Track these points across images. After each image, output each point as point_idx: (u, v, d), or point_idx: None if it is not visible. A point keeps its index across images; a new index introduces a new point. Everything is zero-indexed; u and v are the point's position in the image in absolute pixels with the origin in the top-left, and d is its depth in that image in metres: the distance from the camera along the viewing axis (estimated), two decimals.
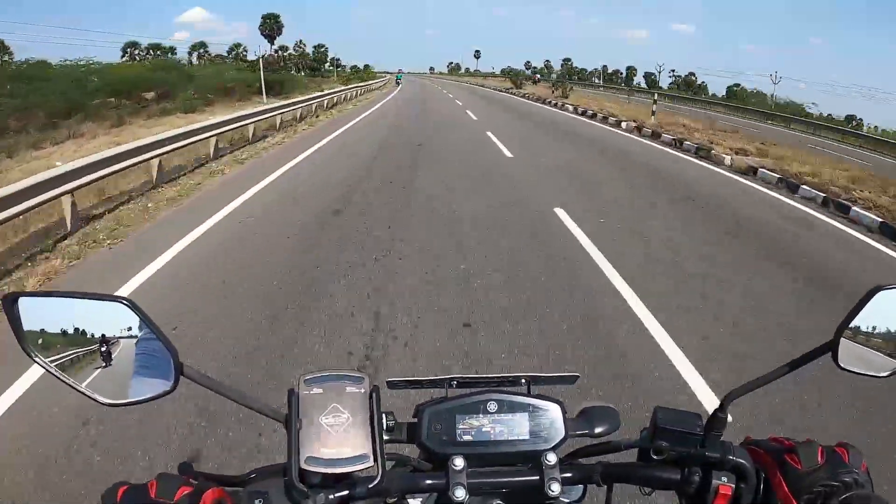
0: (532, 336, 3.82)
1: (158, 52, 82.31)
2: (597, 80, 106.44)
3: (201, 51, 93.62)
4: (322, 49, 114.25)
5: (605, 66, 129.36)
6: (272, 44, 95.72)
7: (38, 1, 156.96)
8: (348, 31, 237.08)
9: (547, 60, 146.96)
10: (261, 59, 44.06)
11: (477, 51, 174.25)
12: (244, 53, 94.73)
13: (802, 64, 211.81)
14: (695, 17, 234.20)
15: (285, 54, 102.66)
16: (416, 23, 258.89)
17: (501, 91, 47.98)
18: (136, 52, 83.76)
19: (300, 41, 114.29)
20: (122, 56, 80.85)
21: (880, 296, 0.70)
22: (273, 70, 68.62)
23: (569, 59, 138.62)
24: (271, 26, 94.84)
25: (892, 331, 0.73)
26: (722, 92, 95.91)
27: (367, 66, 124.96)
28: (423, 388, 0.83)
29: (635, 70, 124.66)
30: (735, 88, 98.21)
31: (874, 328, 0.72)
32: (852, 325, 0.71)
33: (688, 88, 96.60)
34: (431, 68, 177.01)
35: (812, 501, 0.66)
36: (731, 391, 0.73)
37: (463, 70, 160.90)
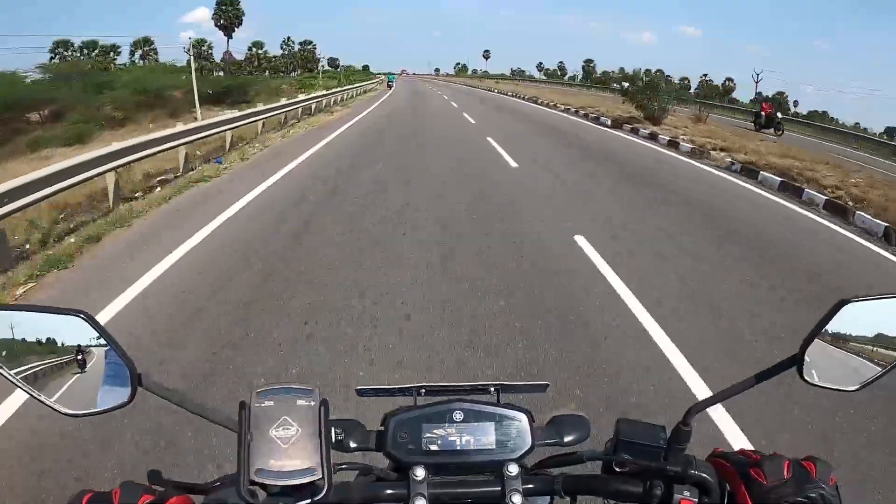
0: None
1: (95, 52, 69.88)
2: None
3: (146, 48, 76.18)
4: (310, 46, 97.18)
5: (622, 69, 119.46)
6: (230, 36, 77.68)
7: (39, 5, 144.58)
8: (352, 30, 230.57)
9: (560, 62, 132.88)
10: (191, 60, 32.30)
11: (486, 51, 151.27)
12: (209, 52, 78.12)
13: (809, 66, 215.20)
14: (701, 20, 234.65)
15: (260, 52, 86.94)
16: (422, 23, 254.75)
17: (608, 130, 18.62)
18: (68, 52, 69.19)
19: (288, 38, 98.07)
20: (52, 58, 65.26)
21: (846, 309, 0.70)
22: (237, 72, 57.66)
23: (591, 61, 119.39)
24: (228, 15, 76.04)
25: (860, 344, 0.73)
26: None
27: (365, 67, 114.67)
28: (392, 396, 0.82)
29: (663, 73, 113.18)
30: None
31: (841, 341, 0.73)
32: (818, 338, 0.72)
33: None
34: (437, 69, 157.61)
35: None
36: (693, 405, 0.74)
37: (470, 71, 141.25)
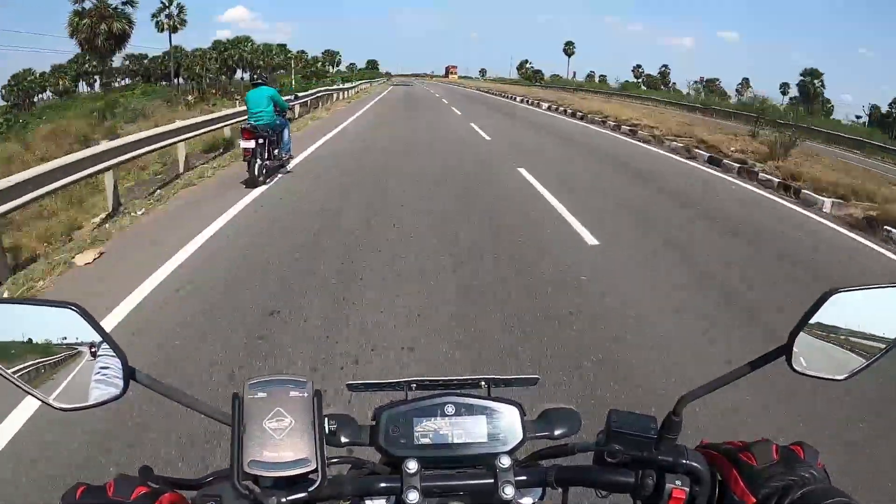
0: None
1: None
2: None
3: None
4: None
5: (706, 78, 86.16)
6: None
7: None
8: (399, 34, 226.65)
9: (664, 66, 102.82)
10: None
11: (569, 43, 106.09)
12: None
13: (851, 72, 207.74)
14: (740, 24, 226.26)
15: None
16: (462, 25, 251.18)
17: None
18: None
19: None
20: None
21: (835, 298, 0.70)
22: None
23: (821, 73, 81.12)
24: None
25: (848, 334, 0.73)
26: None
27: (371, 63, 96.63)
28: (383, 391, 0.83)
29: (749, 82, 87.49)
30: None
31: (830, 331, 0.73)
32: (807, 328, 0.71)
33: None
34: (482, 70, 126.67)
35: (770, 496, 0.65)
36: (683, 395, 0.74)
37: (531, 70, 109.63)
